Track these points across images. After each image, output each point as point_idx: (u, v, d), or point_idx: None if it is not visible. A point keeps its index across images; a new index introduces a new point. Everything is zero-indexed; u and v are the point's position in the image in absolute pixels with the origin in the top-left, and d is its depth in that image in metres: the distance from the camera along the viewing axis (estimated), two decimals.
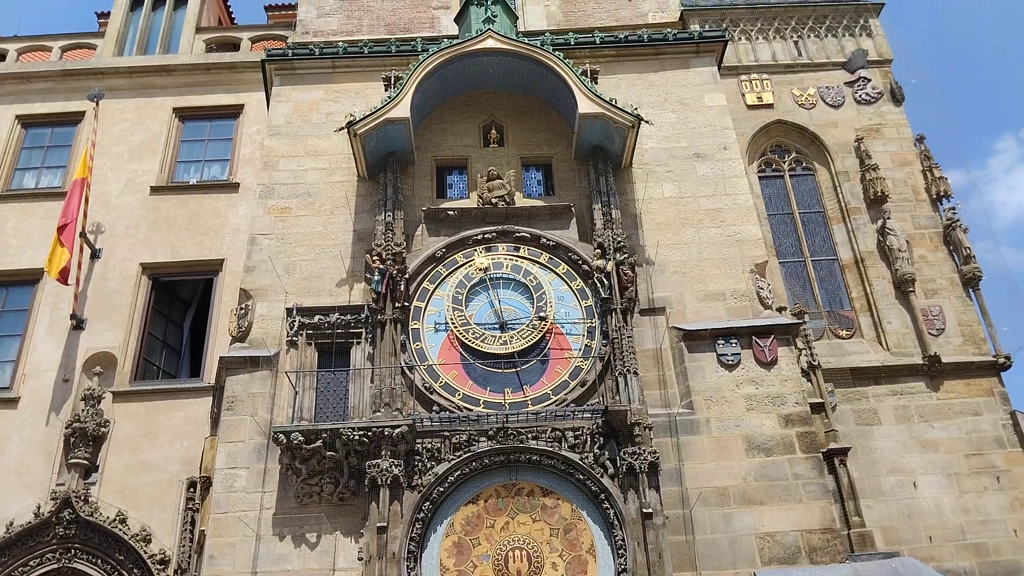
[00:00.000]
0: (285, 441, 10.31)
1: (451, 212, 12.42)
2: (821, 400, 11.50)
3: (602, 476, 10.21)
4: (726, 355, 11.25)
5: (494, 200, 12.45)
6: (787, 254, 14.36)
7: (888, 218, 14.01)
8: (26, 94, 16.57)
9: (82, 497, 12.21)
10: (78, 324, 13.76)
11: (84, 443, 12.52)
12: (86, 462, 12.48)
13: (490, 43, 12.68)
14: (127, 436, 12.88)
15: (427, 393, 10.99)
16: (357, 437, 10.25)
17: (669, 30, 14.72)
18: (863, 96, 15.46)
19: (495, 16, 13.19)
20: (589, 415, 10.63)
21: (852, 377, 12.71)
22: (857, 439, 12.12)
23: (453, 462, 10.34)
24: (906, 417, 12.53)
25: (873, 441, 12.32)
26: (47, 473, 12.62)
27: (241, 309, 11.90)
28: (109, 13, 18.09)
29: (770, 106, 15.38)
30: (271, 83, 14.08)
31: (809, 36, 16.26)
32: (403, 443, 10.33)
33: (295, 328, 11.46)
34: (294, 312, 11.55)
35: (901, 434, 12.40)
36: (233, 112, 16.30)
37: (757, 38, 16.22)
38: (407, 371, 11.10)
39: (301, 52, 14.15)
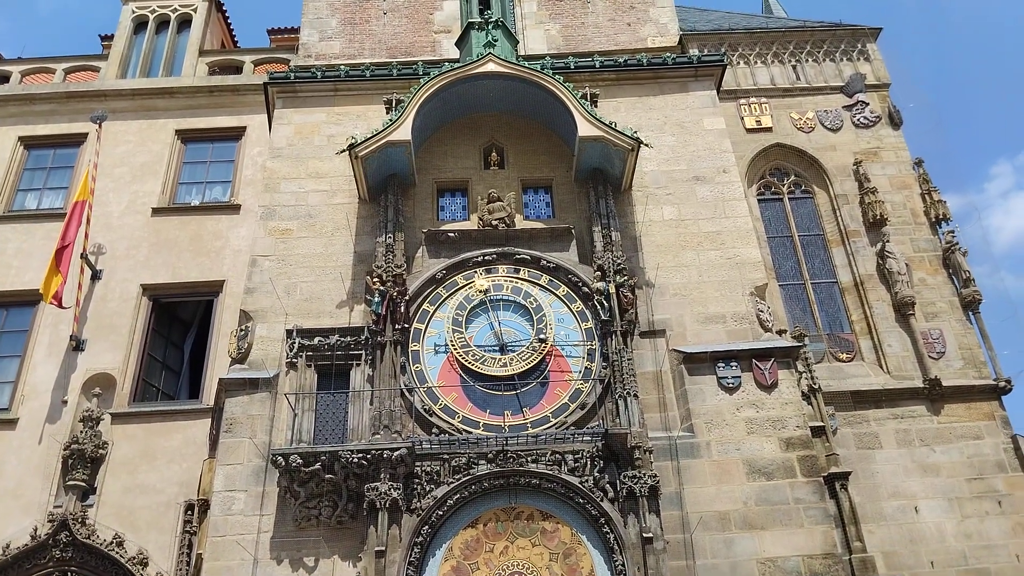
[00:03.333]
0: (284, 463, 10.27)
1: (452, 234, 12.45)
2: (822, 423, 11.47)
3: (602, 500, 10.15)
4: (726, 378, 11.23)
5: (494, 222, 12.48)
6: (787, 277, 14.39)
7: (887, 241, 14.05)
8: (29, 115, 16.68)
9: (79, 519, 12.14)
10: (78, 345, 13.75)
11: (82, 465, 12.46)
12: (84, 484, 12.41)
13: (491, 67, 12.77)
14: (125, 458, 12.83)
15: (426, 415, 10.96)
16: (356, 460, 10.21)
17: (668, 54, 14.82)
18: (861, 120, 15.55)
19: (496, 40, 13.29)
20: (589, 438, 10.59)
21: (853, 400, 12.70)
22: (858, 463, 12.08)
23: (452, 485, 10.29)
24: (907, 441, 12.50)
25: (874, 465, 12.28)
26: (44, 495, 12.55)
27: (241, 330, 11.90)
28: (113, 36, 18.25)
29: (769, 129, 15.48)
30: (273, 105, 14.17)
31: (807, 60, 16.39)
32: (402, 466, 10.28)
33: (295, 350, 11.45)
34: (294, 334, 11.55)
35: (902, 458, 12.37)
36: (235, 134, 16.39)
37: (755, 62, 16.35)
38: (407, 393, 11.07)
39: (303, 75, 14.26)
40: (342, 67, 14.51)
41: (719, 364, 11.33)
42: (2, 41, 45.53)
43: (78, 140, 16.32)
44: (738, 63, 16.22)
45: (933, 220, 14.41)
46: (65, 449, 12.58)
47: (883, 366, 13.28)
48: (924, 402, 12.80)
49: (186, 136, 16.43)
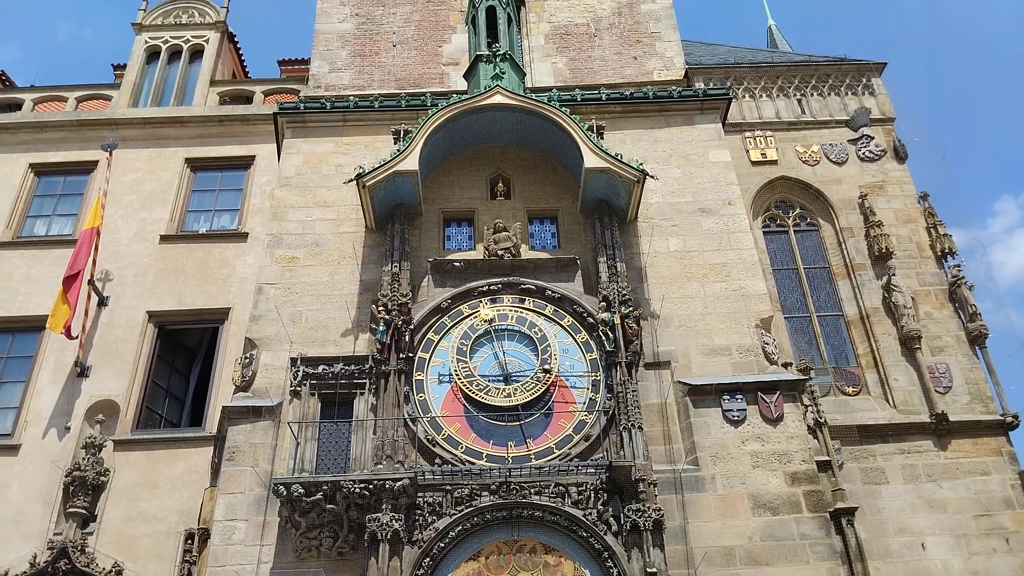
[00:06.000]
0: (285, 493, 10.20)
1: (457, 263, 12.49)
2: (828, 458, 11.36)
3: (606, 534, 10.06)
4: (731, 411, 11.16)
5: (500, 252, 12.52)
6: (792, 309, 14.35)
7: (893, 274, 14.03)
8: (40, 143, 16.86)
9: (79, 547, 12.05)
10: (82, 371, 13.77)
11: (83, 492, 12.41)
12: (84, 511, 12.35)
13: (498, 99, 12.89)
14: (126, 485, 12.78)
15: (429, 446, 10.91)
16: (358, 490, 10.14)
17: (674, 87, 14.95)
18: (866, 153, 15.61)
19: (503, 73, 13.43)
20: (593, 470, 10.52)
21: (859, 435, 12.60)
22: (864, 498, 11.95)
23: (455, 517, 10.21)
24: (914, 476, 12.37)
25: (881, 501, 12.14)
26: (45, 522, 12.49)
27: (246, 358, 11.90)
28: (125, 65, 18.49)
29: (774, 162, 15.54)
30: (283, 135, 14.31)
31: (812, 94, 16.50)
32: (404, 496, 10.21)
33: (299, 378, 11.45)
34: (298, 362, 11.55)
35: (909, 494, 12.23)
36: (244, 163, 16.53)
37: (761, 96, 16.46)
38: (410, 423, 11.04)
39: (313, 106, 14.41)
40: (351, 98, 14.67)
41: (724, 396, 11.27)
42: (17, 70, 46.13)
43: (88, 168, 16.49)
44: (743, 96, 16.34)
45: (939, 254, 14.39)
46: (67, 476, 12.54)
47: (889, 400, 13.19)
48: (931, 437, 12.69)
49: (196, 164, 16.58)
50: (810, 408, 11.78)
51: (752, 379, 11.45)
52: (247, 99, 17.71)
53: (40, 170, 16.65)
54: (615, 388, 11.12)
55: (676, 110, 14.43)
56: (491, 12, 14.66)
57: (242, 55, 20.25)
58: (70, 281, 13.58)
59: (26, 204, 16.19)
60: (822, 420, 11.76)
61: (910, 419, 12.84)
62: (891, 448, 12.59)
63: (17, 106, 17.62)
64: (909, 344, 13.46)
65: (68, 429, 13.28)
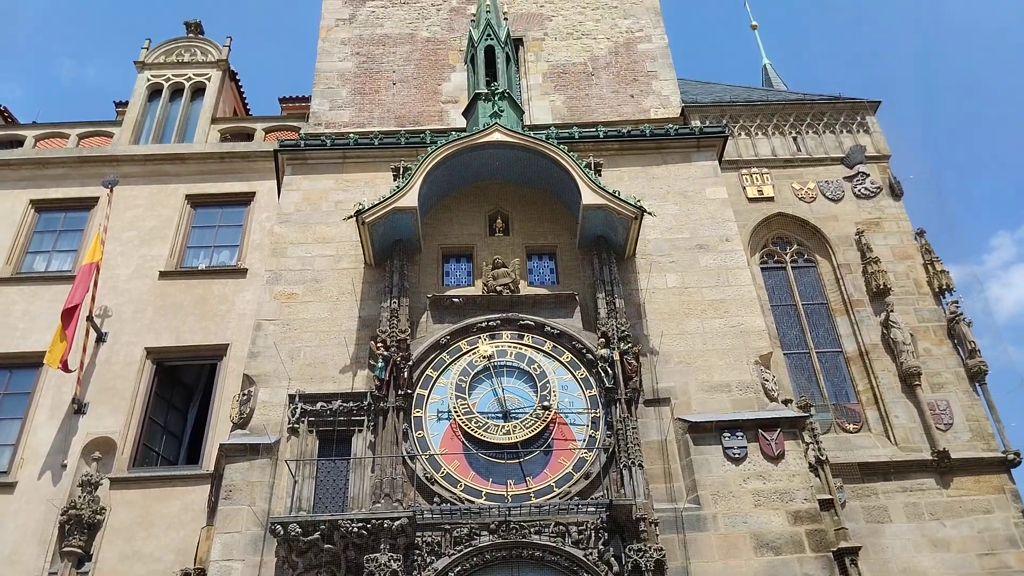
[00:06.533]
0: (282, 532, 10.09)
1: (456, 299, 12.50)
2: (830, 496, 11.29)
3: (607, 574, 9.94)
4: (732, 448, 11.10)
5: (499, 288, 12.54)
6: (791, 346, 14.35)
7: (892, 311, 14.06)
8: (41, 179, 16.95)
9: None
10: (79, 408, 13.70)
11: (79, 530, 12.23)
12: (80, 550, 12.14)
13: (497, 136, 13.01)
14: (122, 524, 12.64)
15: (428, 484, 10.83)
16: (356, 529, 10.03)
17: (671, 125, 15.09)
18: (862, 190, 15.73)
19: (502, 111, 13.56)
20: (593, 509, 10.42)
21: (861, 472, 12.53)
22: (867, 537, 11.84)
23: (453, 557, 10.09)
24: (917, 514, 12.28)
25: (884, 539, 12.04)
26: (40, 561, 12.35)
27: (243, 395, 11.85)
28: (127, 103, 18.66)
29: (771, 199, 15.66)
30: (283, 172, 14.41)
31: (807, 132, 16.67)
32: (402, 536, 10.10)
33: (296, 415, 11.39)
34: (296, 399, 11.50)
35: (912, 532, 12.14)
36: (244, 199, 16.62)
37: (756, 133, 16.63)
38: (408, 461, 10.96)
39: (313, 143, 14.53)
40: (351, 135, 14.80)
41: (724, 434, 11.21)
42: (20, 107, 46.52)
43: (89, 204, 16.56)
44: (739, 134, 16.51)
45: (936, 290, 14.44)
46: (63, 514, 12.36)
47: (890, 437, 13.14)
48: (933, 475, 12.62)
49: (196, 201, 16.66)
50: (811, 445, 11.73)
51: (752, 416, 11.40)
52: (248, 136, 17.86)
53: (41, 206, 16.72)
54: (615, 425, 11.06)
55: (673, 148, 14.56)
56: (490, 51, 14.85)
57: (243, 92, 20.47)
58: (68, 315, 13.55)
59: (26, 240, 16.23)
60: (823, 458, 11.71)
61: (912, 456, 12.78)
62: (893, 486, 12.52)
63: (19, 142, 17.75)
64: (909, 381, 13.45)
65: (64, 467, 13.18)
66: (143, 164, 17.01)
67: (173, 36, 19.69)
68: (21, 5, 50.78)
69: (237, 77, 20.02)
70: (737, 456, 11.05)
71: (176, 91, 18.81)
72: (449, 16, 17.88)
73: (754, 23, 25.53)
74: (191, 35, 19.78)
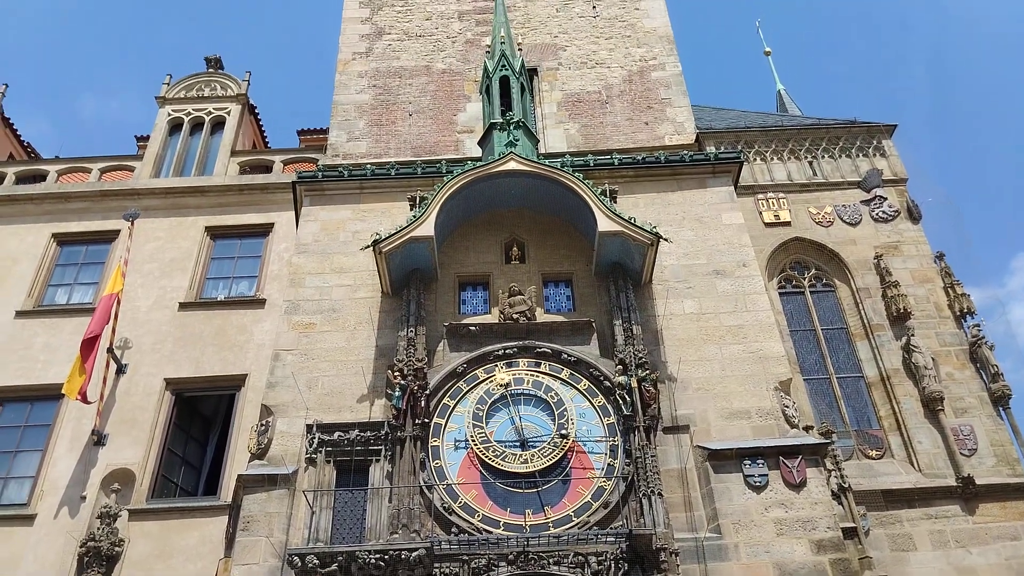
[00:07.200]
0: (300, 564, 10.05)
1: (473, 327, 12.50)
2: (854, 524, 11.12)
3: None
4: (753, 476, 10.94)
5: (515, 315, 12.54)
6: (811, 371, 14.21)
7: (912, 335, 13.91)
8: (63, 213, 17.21)
9: None
10: (99, 440, 13.76)
11: (98, 563, 12.28)
12: None
13: (512, 165, 13.08)
14: (141, 556, 12.63)
15: (446, 514, 10.75)
16: (373, 560, 9.98)
17: (686, 152, 15.12)
18: (880, 214, 15.65)
19: (517, 140, 13.65)
20: (613, 539, 10.27)
21: (884, 500, 12.32)
22: (892, 566, 11.63)
23: None
24: (942, 542, 12.04)
25: (909, 568, 11.81)
26: None
27: (261, 425, 11.87)
28: (148, 137, 18.97)
29: (787, 224, 15.61)
30: (301, 203, 14.55)
31: (823, 156, 16.65)
32: (420, 567, 10.03)
33: (314, 445, 11.39)
34: (314, 428, 11.51)
35: (938, 560, 11.90)
36: (263, 231, 16.79)
37: (772, 159, 16.63)
38: (426, 490, 10.90)
39: (331, 174, 14.68)
40: (368, 166, 14.95)
41: (745, 461, 11.05)
42: (44, 142, 47.56)
43: (110, 237, 16.78)
44: (754, 159, 16.51)
45: (957, 314, 14.29)
46: (81, 546, 12.44)
47: (914, 463, 12.93)
48: (958, 501, 12.40)
49: (215, 233, 16.84)
50: (833, 473, 11.56)
51: (773, 443, 11.24)
52: (267, 168, 18.08)
53: (63, 239, 16.95)
54: (633, 453, 10.96)
55: (688, 174, 14.57)
56: (505, 82, 14.99)
57: (262, 125, 20.76)
58: (88, 345, 13.67)
59: (48, 273, 16.44)
60: (846, 485, 11.54)
61: (936, 483, 12.57)
62: (918, 513, 12.30)
63: (42, 177, 18.04)
64: (932, 406, 13.27)
65: (84, 498, 13.21)
66: (163, 197, 17.24)
67: (194, 71, 20.08)
68: (45, 42, 51.98)
69: (256, 110, 20.32)
70: (758, 484, 10.90)
71: (196, 125, 19.10)
72: (464, 48, 18.09)
73: (768, 49, 25.65)
74: (211, 70, 20.14)
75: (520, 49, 16.10)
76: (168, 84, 19.75)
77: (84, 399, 13.57)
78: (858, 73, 52.87)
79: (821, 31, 54.18)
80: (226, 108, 19.26)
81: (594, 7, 18.76)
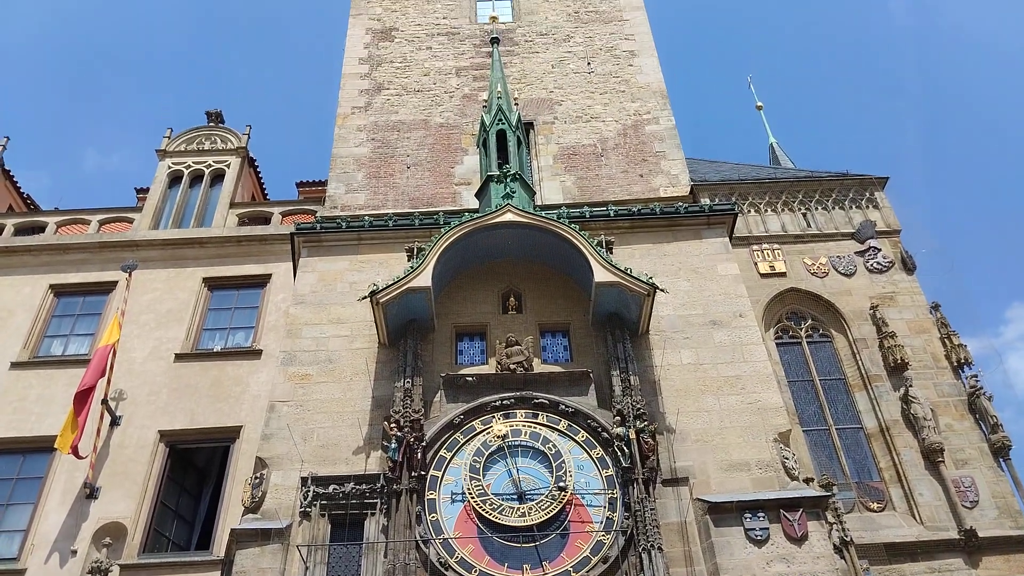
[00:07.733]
0: None
1: (470, 378, 12.45)
2: None
3: None
4: (754, 530, 10.79)
5: (512, 366, 12.49)
6: (810, 422, 14.13)
7: (910, 386, 13.88)
8: (61, 264, 17.26)
9: None
10: (91, 493, 13.60)
11: None
12: None
13: (509, 217, 13.19)
14: None
15: (442, 569, 10.55)
16: None
17: (680, 203, 15.29)
18: (875, 265, 15.75)
19: (514, 192, 13.80)
20: None
21: (887, 553, 12.15)
22: None
23: None
24: None
25: None
26: None
27: (256, 478, 11.73)
28: (148, 189, 19.12)
29: (783, 274, 15.68)
30: (299, 254, 14.62)
31: (816, 208, 16.83)
32: None
33: (309, 498, 11.23)
34: (309, 481, 11.36)
35: None
36: (261, 281, 16.83)
37: (766, 210, 16.79)
38: (422, 545, 10.72)
39: (329, 226, 14.78)
40: (366, 217, 15.06)
41: (746, 515, 10.90)
42: (46, 195, 47.83)
43: (107, 288, 16.80)
44: (749, 211, 16.67)
45: (955, 364, 14.28)
46: None
47: (916, 516, 12.78)
48: (961, 555, 12.22)
49: (213, 283, 16.88)
50: (835, 526, 11.39)
51: (774, 496, 11.11)
52: (265, 220, 18.20)
53: (60, 291, 16.97)
54: (632, 506, 10.82)
55: (683, 225, 14.70)
56: (501, 135, 15.21)
57: (261, 177, 20.97)
58: (81, 397, 13.56)
59: (44, 324, 16.41)
60: (848, 539, 11.34)
61: (938, 536, 12.40)
62: (921, 567, 12.11)
63: (40, 228, 18.13)
64: (932, 457, 13.17)
65: (74, 553, 12.99)
66: (162, 248, 17.31)
67: (195, 125, 20.35)
68: (48, 97, 52.71)
69: (256, 163, 20.55)
70: (759, 538, 10.74)
71: (196, 177, 19.28)
72: (461, 103, 18.41)
73: (759, 104, 26.05)
74: (212, 124, 20.42)
75: (516, 103, 16.37)
76: (169, 137, 19.99)
77: (76, 453, 13.43)
78: (850, 126, 53.80)
79: (812, 85, 55.29)
80: (226, 161, 19.47)
81: (589, 63, 19.15)
